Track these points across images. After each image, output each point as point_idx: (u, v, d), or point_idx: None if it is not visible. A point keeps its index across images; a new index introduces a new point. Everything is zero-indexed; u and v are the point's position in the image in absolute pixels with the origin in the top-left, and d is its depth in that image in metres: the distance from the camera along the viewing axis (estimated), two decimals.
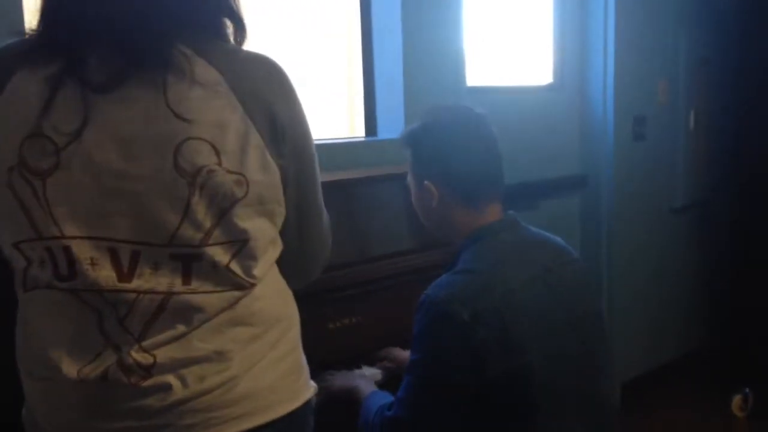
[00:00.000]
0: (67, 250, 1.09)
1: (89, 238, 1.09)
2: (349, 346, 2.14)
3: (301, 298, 2.09)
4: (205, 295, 1.12)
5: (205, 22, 1.14)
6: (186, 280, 1.11)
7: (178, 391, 1.12)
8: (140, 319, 1.11)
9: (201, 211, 1.09)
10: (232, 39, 1.19)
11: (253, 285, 1.16)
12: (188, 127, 1.07)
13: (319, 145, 2.61)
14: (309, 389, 1.28)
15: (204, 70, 1.09)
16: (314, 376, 1.89)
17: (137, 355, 1.11)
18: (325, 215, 1.33)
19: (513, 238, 1.69)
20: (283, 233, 1.23)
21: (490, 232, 1.67)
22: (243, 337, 1.16)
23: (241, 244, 1.13)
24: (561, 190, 3.70)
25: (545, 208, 3.61)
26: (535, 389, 1.55)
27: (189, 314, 1.12)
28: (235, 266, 1.14)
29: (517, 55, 3.62)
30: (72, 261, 1.09)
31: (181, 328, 1.11)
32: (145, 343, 1.11)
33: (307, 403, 1.27)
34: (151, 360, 1.11)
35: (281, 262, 1.26)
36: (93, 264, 1.09)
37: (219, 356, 1.13)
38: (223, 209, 1.10)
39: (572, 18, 3.71)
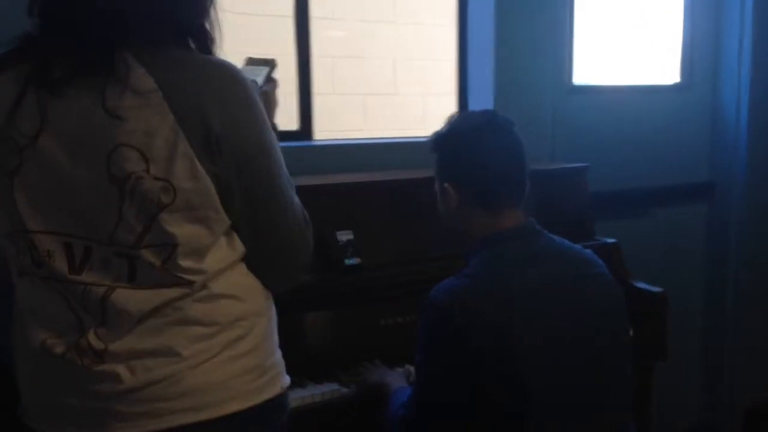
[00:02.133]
0: (32, 242, 1.20)
1: (47, 232, 1.18)
2: (397, 345, 2.13)
3: (352, 294, 2.18)
4: (148, 291, 1.18)
5: (158, 31, 1.16)
6: (131, 276, 1.18)
7: (127, 380, 1.18)
8: (95, 307, 1.19)
9: (132, 215, 1.14)
10: (199, 44, 1.22)
11: (194, 282, 1.19)
12: (120, 131, 1.11)
13: (398, 144, 2.69)
14: (272, 388, 1.29)
15: (141, 78, 1.12)
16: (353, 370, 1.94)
17: (93, 339, 1.18)
18: (296, 214, 1.30)
19: (527, 246, 1.66)
20: (241, 236, 1.25)
21: (502, 238, 1.66)
22: (194, 335, 1.19)
23: (171, 248, 1.16)
24: (683, 198, 3.46)
25: (663, 217, 3.39)
26: (533, 402, 1.53)
27: (132, 308, 1.17)
28: (171, 266, 1.17)
29: (641, 52, 3.42)
30: (37, 252, 1.20)
31: (124, 320, 1.17)
32: (100, 330, 1.18)
33: (269, 402, 1.28)
34: (102, 346, 1.18)
35: (251, 264, 1.28)
36: (49, 256, 1.19)
37: (167, 350, 1.18)
38: (151, 215, 1.14)
39: (705, 13, 3.44)
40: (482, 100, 2.87)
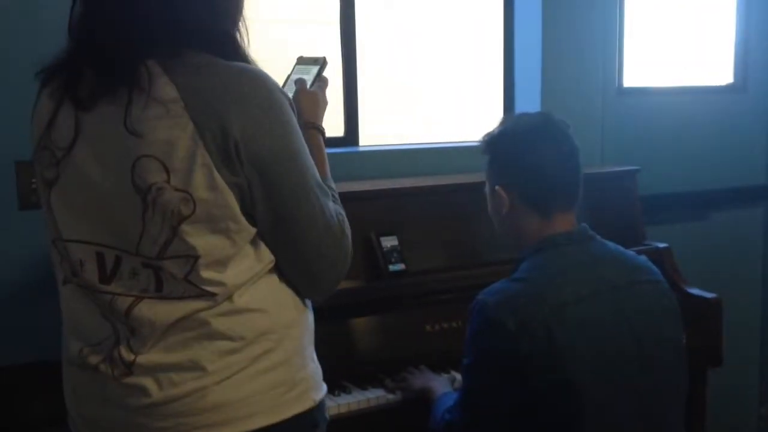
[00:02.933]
0: (66, 250, 1.22)
1: (80, 241, 1.20)
2: (443, 351, 2.11)
3: (397, 299, 2.17)
4: (173, 302, 1.17)
5: (182, 39, 1.15)
6: (158, 287, 1.17)
7: (154, 394, 1.17)
8: (121, 318, 1.19)
9: (155, 226, 1.14)
10: (224, 51, 1.19)
11: (217, 295, 1.17)
12: (140, 143, 1.11)
13: (443, 149, 2.68)
14: (303, 402, 1.26)
15: (163, 87, 1.11)
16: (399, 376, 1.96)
17: (125, 350, 1.19)
18: (328, 223, 1.24)
19: (580, 251, 1.63)
20: (269, 246, 1.22)
21: (554, 243, 1.63)
22: (220, 349, 1.18)
23: (193, 260, 1.15)
24: (738, 201, 3.37)
25: (720, 220, 3.32)
26: (583, 408, 1.50)
27: (155, 318, 1.17)
28: (194, 279, 1.16)
29: (693, 53, 3.34)
30: (71, 261, 1.22)
31: (147, 331, 1.17)
32: (132, 341, 1.19)
33: (299, 417, 1.25)
34: (132, 358, 1.18)
35: (284, 273, 1.25)
36: (81, 265, 1.20)
37: (193, 365, 1.17)
38: (172, 226, 1.14)
39: (759, 10, 3.35)
40: (529, 103, 2.84)
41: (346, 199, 2.15)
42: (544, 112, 1.78)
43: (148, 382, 1.17)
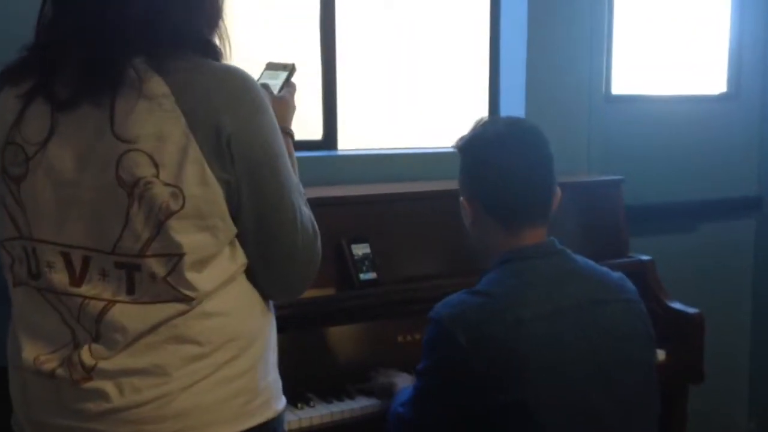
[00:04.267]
0: (34, 251, 1.19)
1: (49, 242, 1.17)
2: (415, 362, 2.04)
3: (368, 309, 2.11)
4: (147, 306, 1.14)
5: (166, 43, 1.14)
6: (130, 290, 1.15)
7: (115, 400, 1.14)
8: (90, 322, 1.16)
9: (140, 221, 1.12)
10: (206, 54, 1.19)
11: (194, 299, 1.15)
12: (128, 138, 1.10)
13: (423, 154, 2.62)
14: (265, 412, 1.24)
15: (154, 85, 1.11)
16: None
17: (85, 355, 1.16)
18: (304, 225, 1.24)
19: (546, 265, 1.56)
20: (245, 247, 1.21)
21: (520, 256, 1.56)
22: (186, 355, 1.16)
23: (177, 258, 1.13)
24: (729, 212, 3.31)
25: (710, 231, 3.26)
26: (538, 429, 1.43)
27: (128, 324, 1.14)
28: (173, 279, 1.14)
29: (685, 61, 3.28)
30: (37, 262, 1.19)
31: (120, 337, 1.15)
32: (94, 346, 1.16)
33: (261, 427, 1.23)
34: (93, 362, 1.15)
35: (253, 276, 1.24)
36: (49, 267, 1.17)
37: (158, 369, 1.15)
38: (159, 221, 1.12)
39: (754, 18, 3.29)
40: (513, 108, 2.78)
41: (318, 204, 2.11)
42: (516, 118, 1.70)
43: (108, 387, 1.15)
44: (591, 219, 2.53)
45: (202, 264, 1.15)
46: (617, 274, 1.63)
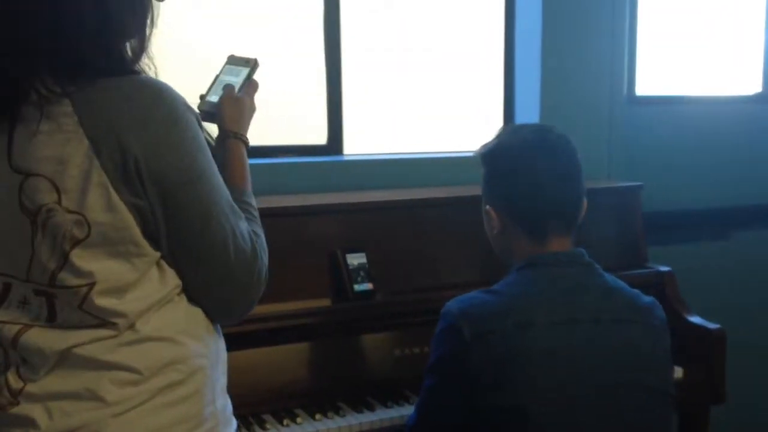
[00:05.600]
0: None
1: None
2: (412, 377, 1.96)
3: (363, 321, 2.03)
4: (65, 331, 1.09)
5: (82, 56, 1.06)
6: (51, 317, 1.09)
7: (43, 425, 1.08)
8: (8, 346, 1.11)
9: (45, 252, 1.06)
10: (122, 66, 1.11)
11: (118, 324, 1.09)
12: (28, 163, 1.04)
13: (430, 159, 2.52)
14: None
15: (58, 105, 1.04)
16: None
17: (12, 378, 1.10)
18: (240, 246, 1.16)
19: (566, 274, 1.51)
20: (176, 269, 1.14)
21: (541, 261, 1.52)
22: (120, 379, 1.09)
23: (86, 288, 1.07)
24: (762, 220, 3.13)
25: (737, 241, 3.09)
26: None
27: (44, 345, 1.09)
28: (88, 307, 1.08)
29: (717, 60, 3.13)
30: None
31: (38, 360, 1.09)
32: (23, 368, 1.10)
33: None
34: (20, 385, 1.10)
35: (194, 299, 1.17)
36: None
37: (90, 394, 1.08)
38: (64, 251, 1.05)
39: None
40: (528, 110, 2.67)
41: (312, 212, 2.08)
42: (544, 126, 1.63)
43: (36, 412, 1.08)
44: (607, 227, 2.40)
45: (120, 291, 1.09)
46: (649, 298, 1.56)
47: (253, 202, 1.30)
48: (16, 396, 1.09)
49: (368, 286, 2.03)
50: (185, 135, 1.09)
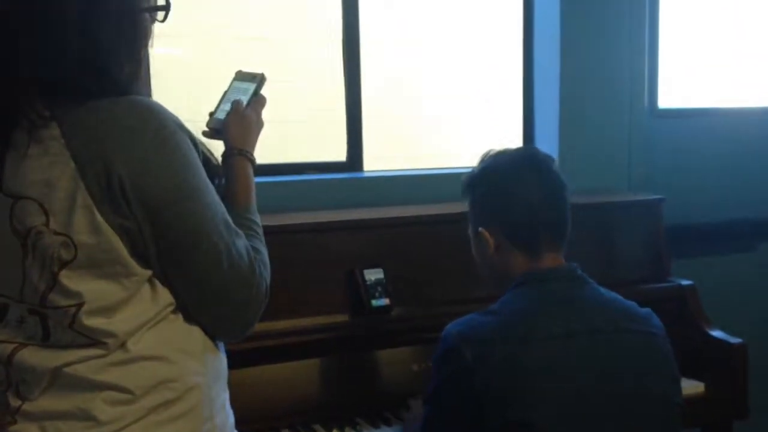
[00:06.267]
0: None
1: None
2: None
3: (381, 337, 2.04)
4: (57, 350, 1.11)
5: (73, 79, 1.08)
6: (45, 336, 1.12)
7: None
8: (4, 366, 1.14)
9: (35, 273, 1.08)
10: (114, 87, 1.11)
11: (108, 344, 1.11)
12: (18, 187, 1.06)
13: (452, 175, 2.53)
14: None
15: (46, 131, 1.06)
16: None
17: (11, 396, 1.14)
18: (235, 263, 1.16)
19: (563, 290, 1.53)
20: (172, 289, 1.15)
21: (536, 278, 1.55)
22: (112, 399, 1.11)
23: (75, 308, 1.09)
24: None
25: (765, 252, 3.05)
26: None
27: (36, 364, 1.11)
28: (79, 327, 1.10)
29: (744, 70, 3.10)
30: None
31: (30, 378, 1.12)
32: (22, 387, 1.13)
33: None
34: (18, 404, 1.13)
35: (192, 316, 1.18)
36: None
37: (83, 414, 1.10)
38: (53, 272, 1.08)
39: None
40: (547, 124, 2.67)
41: (330, 228, 2.10)
42: (528, 147, 1.72)
43: (32, 430, 1.11)
44: (628, 241, 2.40)
45: (109, 310, 1.10)
46: (645, 309, 1.57)
47: (257, 218, 1.31)
48: (13, 414, 1.12)
49: (385, 301, 2.04)
50: (174, 155, 1.09)
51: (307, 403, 1.93)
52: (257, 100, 1.41)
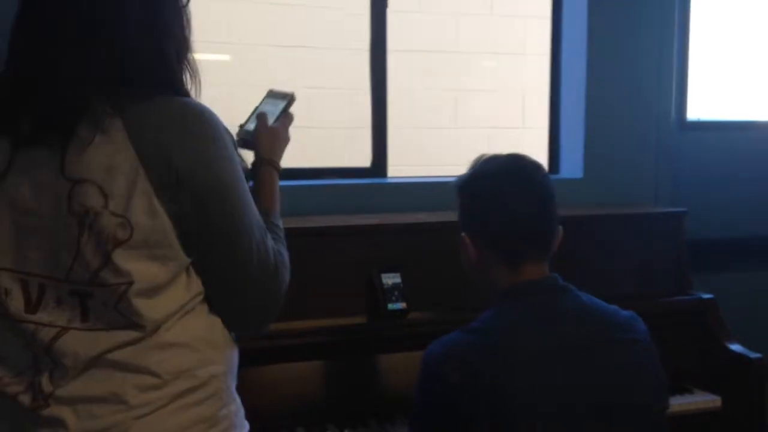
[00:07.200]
0: None
1: (7, 269, 1.20)
2: None
3: (396, 339, 2.06)
4: (99, 333, 1.17)
5: (132, 79, 1.18)
6: (84, 318, 1.18)
7: (72, 426, 1.17)
8: (41, 349, 1.19)
9: (89, 250, 1.15)
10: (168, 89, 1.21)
11: (145, 327, 1.17)
12: (80, 171, 1.14)
13: None
14: None
15: (110, 123, 1.14)
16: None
17: (45, 381, 1.18)
18: (262, 260, 1.25)
19: (546, 302, 1.50)
20: (202, 276, 1.23)
21: (518, 292, 1.51)
22: (142, 384, 1.18)
23: (125, 286, 1.15)
24: None
25: None
26: None
27: (80, 350, 1.17)
28: (123, 307, 1.16)
29: None
30: None
31: (70, 362, 1.17)
32: (55, 372, 1.18)
33: None
34: (51, 389, 1.18)
35: (214, 308, 1.26)
36: (7, 294, 1.20)
37: (115, 398, 1.17)
38: (107, 251, 1.14)
39: None
40: (573, 135, 2.68)
41: (350, 233, 2.14)
42: (517, 154, 1.63)
43: (66, 414, 1.17)
44: (649, 253, 2.39)
45: (152, 291, 1.17)
46: (628, 313, 1.54)
47: (281, 223, 1.39)
48: (47, 399, 1.17)
49: (402, 305, 2.07)
50: (222, 153, 1.20)
51: (321, 402, 1.97)
52: (285, 116, 1.50)
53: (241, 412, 1.31)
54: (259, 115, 1.49)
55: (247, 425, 1.31)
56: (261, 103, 1.53)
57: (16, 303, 1.19)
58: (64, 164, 1.14)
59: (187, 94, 1.24)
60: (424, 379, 1.48)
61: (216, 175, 1.19)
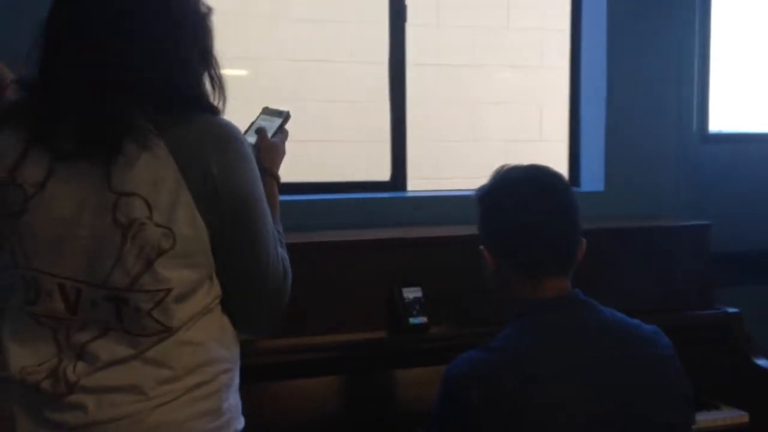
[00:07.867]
0: (34, 280, 1.28)
1: (46, 273, 1.26)
2: None
3: (416, 354, 2.05)
4: (130, 338, 1.26)
5: (167, 97, 1.25)
6: (119, 321, 1.25)
7: (92, 413, 1.25)
8: (77, 347, 1.26)
9: (131, 258, 1.22)
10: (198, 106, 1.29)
11: (172, 328, 1.26)
12: (125, 185, 1.21)
13: None
14: (227, 430, 1.34)
15: (153, 141, 1.22)
16: None
17: (69, 371, 1.25)
18: (274, 267, 1.35)
19: (567, 319, 1.47)
20: (222, 280, 1.32)
21: (539, 308, 1.48)
22: (161, 377, 1.26)
23: (163, 293, 1.24)
24: None
25: None
26: None
27: (115, 348, 1.25)
28: (156, 313, 1.24)
29: None
30: (37, 290, 1.28)
31: (105, 356, 1.26)
32: (79, 363, 1.26)
33: None
34: (75, 379, 1.25)
35: (228, 310, 1.35)
36: (49, 295, 1.26)
37: (134, 389, 1.25)
38: (149, 259, 1.22)
39: None
40: (593, 148, 2.66)
41: (371, 246, 2.13)
42: (538, 165, 1.60)
43: (88, 401, 1.25)
44: (673, 267, 2.36)
45: (183, 297, 1.26)
46: (651, 327, 1.50)
47: (281, 228, 1.47)
48: (71, 388, 1.25)
49: (423, 319, 2.06)
50: (250, 167, 1.31)
51: (341, 417, 1.96)
52: (282, 132, 1.59)
53: (239, 405, 1.39)
54: (259, 130, 1.57)
55: (242, 420, 1.39)
56: (257, 119, 1.61)
57: (57, 304, 1.26)
58: (111, 178, 1.21)
59: (217, 111, 1.32)
60: (445, 399, 1.46)
61: (246, 187, 1.29)
